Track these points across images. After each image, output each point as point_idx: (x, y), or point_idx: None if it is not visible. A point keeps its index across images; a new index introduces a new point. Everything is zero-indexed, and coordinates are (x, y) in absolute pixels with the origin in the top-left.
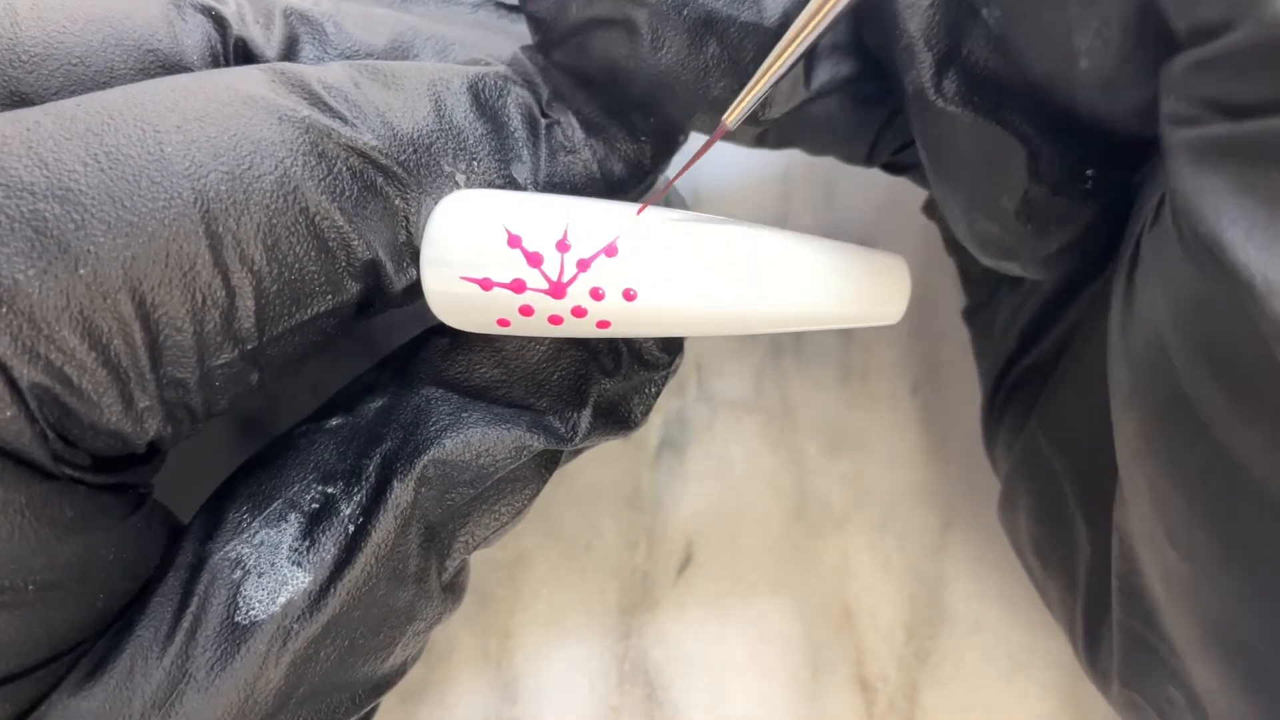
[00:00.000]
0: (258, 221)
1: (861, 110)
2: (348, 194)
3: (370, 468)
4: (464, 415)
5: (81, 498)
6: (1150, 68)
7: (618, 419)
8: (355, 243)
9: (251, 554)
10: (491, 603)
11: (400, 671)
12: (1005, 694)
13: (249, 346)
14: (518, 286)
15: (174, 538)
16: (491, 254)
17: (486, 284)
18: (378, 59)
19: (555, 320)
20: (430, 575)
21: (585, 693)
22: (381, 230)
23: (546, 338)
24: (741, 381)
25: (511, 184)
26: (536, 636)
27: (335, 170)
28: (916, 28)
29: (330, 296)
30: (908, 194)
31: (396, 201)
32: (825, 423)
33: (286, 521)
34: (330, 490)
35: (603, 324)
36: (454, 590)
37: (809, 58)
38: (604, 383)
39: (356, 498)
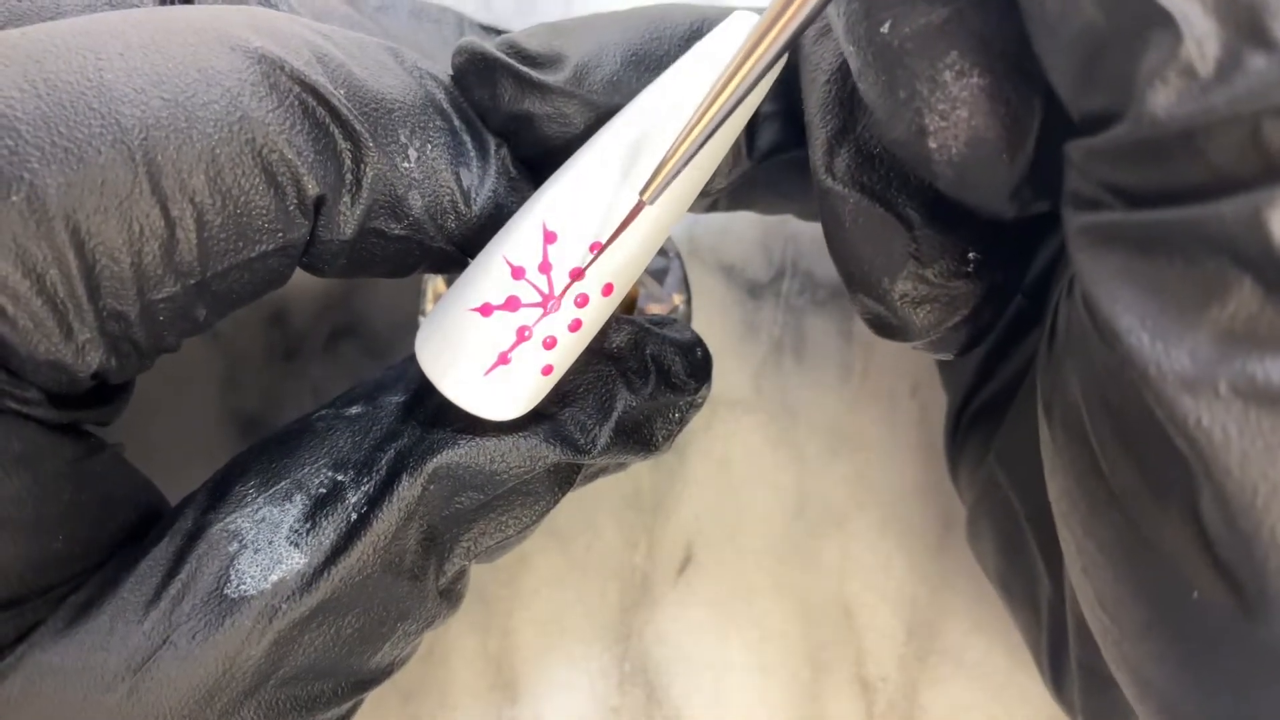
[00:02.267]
0: (199, 150)
1: (807, 175)
2: (298, 129)
3: (383, 460)
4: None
5: (31, 433)
6: (1008, 155)
7: (639, 439)
8: (305, 178)
9: (251, 529)
10: (491, 603)
11: (386, 671)
12: (1005, 694)
13: (191, 281)
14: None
15: (150, 505)
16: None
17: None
18: None
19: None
20: (427, 576)
21: (585, 693)
22: (332, 169)
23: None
24: (741, 381)
25: (457, 184)
26: (536, 636)
27: (287, 103)
28: (814, 103)
29: (280, 234)
30: None
31: (345, 147)
32: (825, 423)
33: (291, 502)
34: (340, 477)
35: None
36: (450, 597)
37: (750, 127)
38: (630, 399)
39: (364, 488)
